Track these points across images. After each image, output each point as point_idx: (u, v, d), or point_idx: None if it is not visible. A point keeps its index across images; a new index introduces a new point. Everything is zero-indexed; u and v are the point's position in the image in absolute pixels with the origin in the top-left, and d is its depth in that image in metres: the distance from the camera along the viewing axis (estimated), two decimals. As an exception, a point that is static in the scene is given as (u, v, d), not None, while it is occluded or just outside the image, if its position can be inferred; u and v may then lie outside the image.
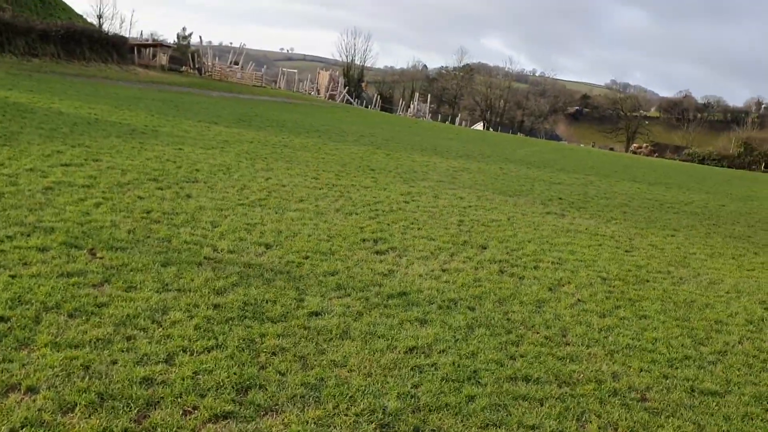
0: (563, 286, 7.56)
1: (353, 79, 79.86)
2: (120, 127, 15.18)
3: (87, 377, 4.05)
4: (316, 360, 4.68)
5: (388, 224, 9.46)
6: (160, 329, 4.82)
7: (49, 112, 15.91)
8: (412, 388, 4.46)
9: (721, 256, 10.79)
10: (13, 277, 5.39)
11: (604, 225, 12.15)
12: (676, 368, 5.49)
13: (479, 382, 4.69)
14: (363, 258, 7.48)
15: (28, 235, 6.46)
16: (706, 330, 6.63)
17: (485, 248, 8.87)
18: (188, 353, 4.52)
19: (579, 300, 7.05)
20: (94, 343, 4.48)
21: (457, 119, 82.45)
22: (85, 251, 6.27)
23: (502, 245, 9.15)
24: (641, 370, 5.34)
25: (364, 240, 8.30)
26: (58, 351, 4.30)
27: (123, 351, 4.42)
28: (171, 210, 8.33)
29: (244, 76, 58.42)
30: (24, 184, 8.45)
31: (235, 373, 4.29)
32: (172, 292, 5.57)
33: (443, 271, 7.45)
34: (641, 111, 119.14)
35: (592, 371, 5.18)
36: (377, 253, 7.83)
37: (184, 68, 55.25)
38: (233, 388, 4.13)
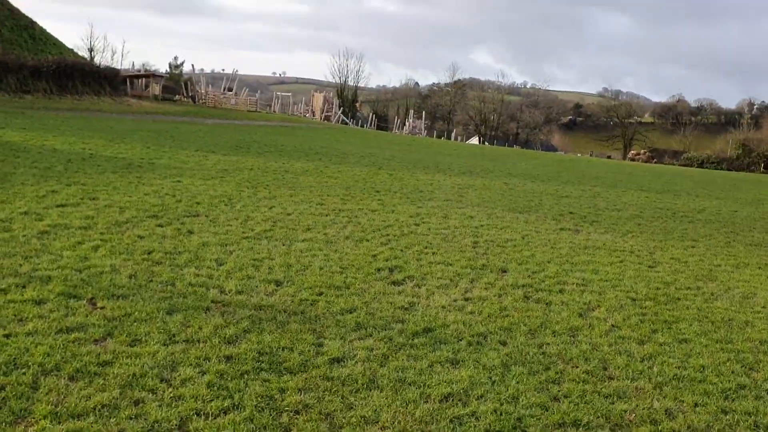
0: (593, 310, 7.12)
1: (347, 99, 79.79)
2: (116, 162, 14.80)
3: (92, 454, 3.60)
4: (344, 417, 4.23)
5: (402, 250, 9.03)
6: (170, 389, 4.37)
7: (43, 149, 15.54)
8: (454, 444, 4.02)
9: (746, 266, 10.36)
10: (7, 336, 4.96)
11: (621, 239, 11.73)
12: (733, 400, 5.05)
13: (526, 432, 4.24)
14: (380, 290, 7.04)
15: (24, 287, 6.03)
16: (753, 352, 6.18)
17: (505, 272, 8.44)
18: (203, 417, 4.07)
19: (613, 326, 6.61)
20: (99, 410, 4.03)
21: (453, 134, 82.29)
22: (84, 301, 5.84)
23: (522, 267, 8.72)
24: (696, 405, 4.89)
25: (378, 270, 7.87)
26: (59, 423, 3.86)
27: (131, 418, 3.98)
28: (173, 249, 7.91)
29: (238, 102, 58.27)
30: (18, 230, 8.03)
31: (256, 439, 3.85)
32: (179, 344, 5.13)
33: (466, 300, 7.02)
34: (636, 117, 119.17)
35: (643, 409, 4.73)
36: (394, 283, 7.40)
37: (177, 97, 55.07)
38: (256, 458, 3.69)
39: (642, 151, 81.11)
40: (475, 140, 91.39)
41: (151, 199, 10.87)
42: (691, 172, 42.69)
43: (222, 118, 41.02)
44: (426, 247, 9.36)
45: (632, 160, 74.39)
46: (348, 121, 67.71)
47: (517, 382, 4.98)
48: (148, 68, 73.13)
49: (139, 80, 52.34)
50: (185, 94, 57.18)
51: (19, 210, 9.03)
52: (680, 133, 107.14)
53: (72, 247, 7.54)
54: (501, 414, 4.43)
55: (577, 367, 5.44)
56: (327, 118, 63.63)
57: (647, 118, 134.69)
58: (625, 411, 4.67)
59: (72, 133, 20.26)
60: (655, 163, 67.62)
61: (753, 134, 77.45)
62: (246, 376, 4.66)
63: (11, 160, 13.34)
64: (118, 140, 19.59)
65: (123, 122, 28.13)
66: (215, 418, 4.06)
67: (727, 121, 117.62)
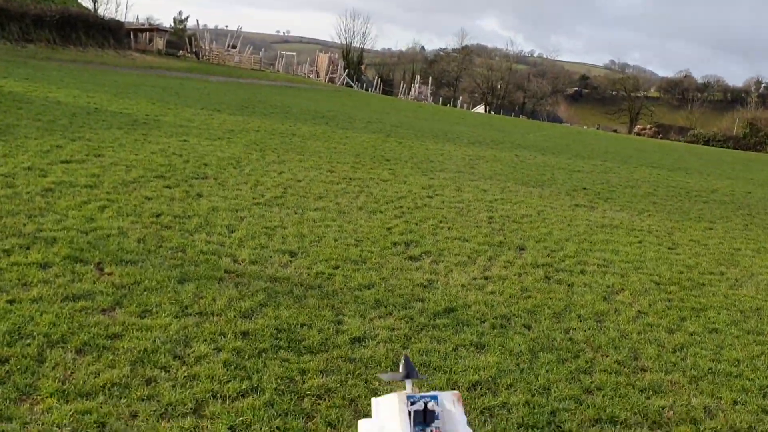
0: (617, 293, 6.87)
1: (353, 61, 78.56)
2: (121, 118, 14.42)
3: (102, 438, 3.35)
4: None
5: (416, 223, 8.74)
6: (183, 367, 4.11)
7: (47, 101, 15.13)
8: (487, 440, 3.78)
9: (767, 251, 10.09)
10: (11, 302, 4.69)
11: (638, 218, 11.45)
12: (772, 398, 4.81)
13: (562, 429, 4.00)
14: (397, 266, 6.77)
15: (28, 248, 5.75)
16: (786, 346, 5.94)
17: (523, 249, 8.17)
18: (220, 400, 3.82)
19: (640, 312, 6.36)
20: (109, 389, 3.78)
21: (459, 102, 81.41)
22: (91, 266, 5.57)
23: (540, 245, 8.45)
24: (735, 403, 4.65)
25: (395, 244, 7.58)
26: (66, 402, 3.60)
27: (143, 400, 3.72)
28: (182, 213, 7.61)
29: (242, 60, 57.38)
30: (22, 186, 7.72)
31: (278, 428, 3.60)
32: (192, 316, 4.87)
33: (486, 279, 6.75)
34: (642, 91, 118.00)
35: (681, 406, 4.49)
36: (411, 258, 7.13)
37: (181, 52, 54.20)
38: (279, 449, 3.44)
39: (648, 126, 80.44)
40: (480, 108, 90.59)
41: (158, 158, 10.54)
42: (699, 150, 42.26)
43: (226, 76, 40.38)
44: (441, 221, 9.08)
45: (638, 134, 73.78)
46: (353, 83, 66.82)
47: (547, 371, 4.73)
48: (152, 22, 71.83)
49: (143, 34, 51.42)
50: (189, 50, 56.24)
51: (23, 165, 8.71)
52: (686, 109, 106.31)
53: (78, 206, 7.24)
54: (533, 407, 4.19)
55: (608, 356, 5.19)
56: (332, 80, 62.77)
57: (653, 92, 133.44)
58: (663, 407, 4.43)
59: (76, 85, 19.81)
60: (661, 138, 67.07)
61: (761, 113, 76.63)
62: (264, 355, 4.41)
63: (14, 111, 12.95)
64: (123, 95, 19.15)
65: (127, 76, 27.59)
66: (233, 402, 3.81)
67: (734, 98, 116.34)
